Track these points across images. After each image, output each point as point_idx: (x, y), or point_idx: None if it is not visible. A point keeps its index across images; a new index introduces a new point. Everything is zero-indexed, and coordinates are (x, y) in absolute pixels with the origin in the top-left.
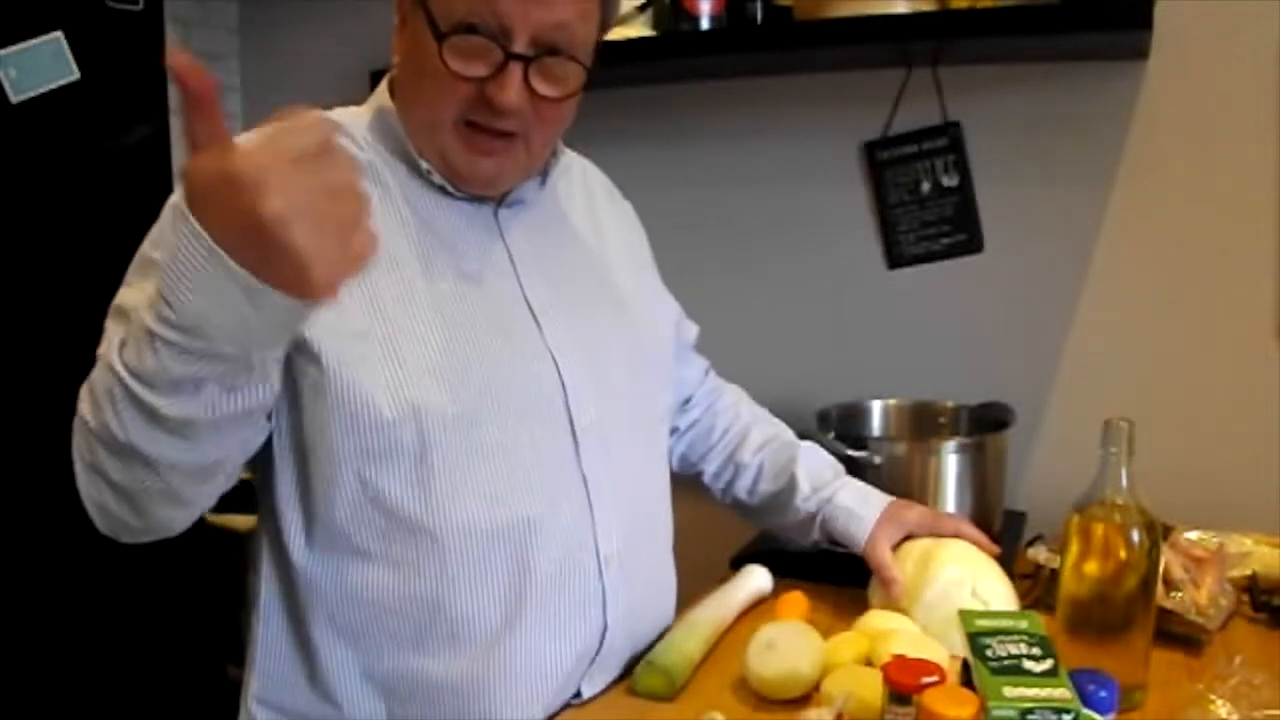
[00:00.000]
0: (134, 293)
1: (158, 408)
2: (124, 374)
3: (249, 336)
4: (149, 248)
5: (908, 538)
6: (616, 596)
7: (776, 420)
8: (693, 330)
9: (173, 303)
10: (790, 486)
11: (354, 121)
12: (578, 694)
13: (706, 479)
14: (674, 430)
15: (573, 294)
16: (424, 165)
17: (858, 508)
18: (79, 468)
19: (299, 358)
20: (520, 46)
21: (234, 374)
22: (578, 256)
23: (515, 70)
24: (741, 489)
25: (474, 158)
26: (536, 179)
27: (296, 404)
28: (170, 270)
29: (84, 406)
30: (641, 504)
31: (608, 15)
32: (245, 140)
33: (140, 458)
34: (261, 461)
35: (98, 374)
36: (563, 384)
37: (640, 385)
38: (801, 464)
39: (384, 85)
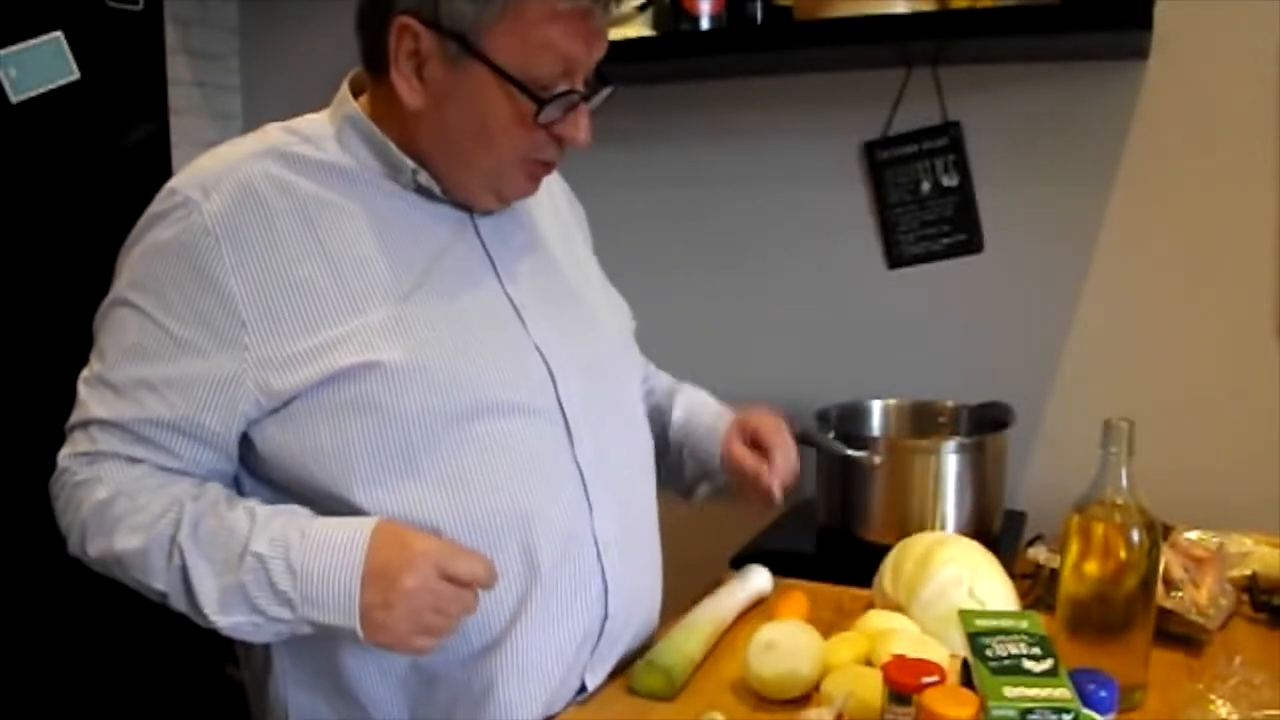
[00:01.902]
0: (119, 405)
1: (149, 582)
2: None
3: (301, 616)
4: (135, 296)
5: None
6: (617, 583)
7: (679, 381)
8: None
9: (292, 579)
10: (665, 421)
11: (318, 130)
12: (582, 687)
13: None
14: None
15: (547, 288)
16: (410, 165)
17: (714, 422)
18: (57, 505)
19: (288, 373)
20: (581, 85)
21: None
22: (547, 251)
23: (585, 109)
24: None
25: (529, 186)
26: None
27: (293, 418)
28: (313, 556)
29: (89, 494)
30: (632, 489)
31: None
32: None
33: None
34: (265, 475)
35: (106, 487)
36: (551, 376)
37: (617, 371)
38: (679, 397)
39: (346, 92)
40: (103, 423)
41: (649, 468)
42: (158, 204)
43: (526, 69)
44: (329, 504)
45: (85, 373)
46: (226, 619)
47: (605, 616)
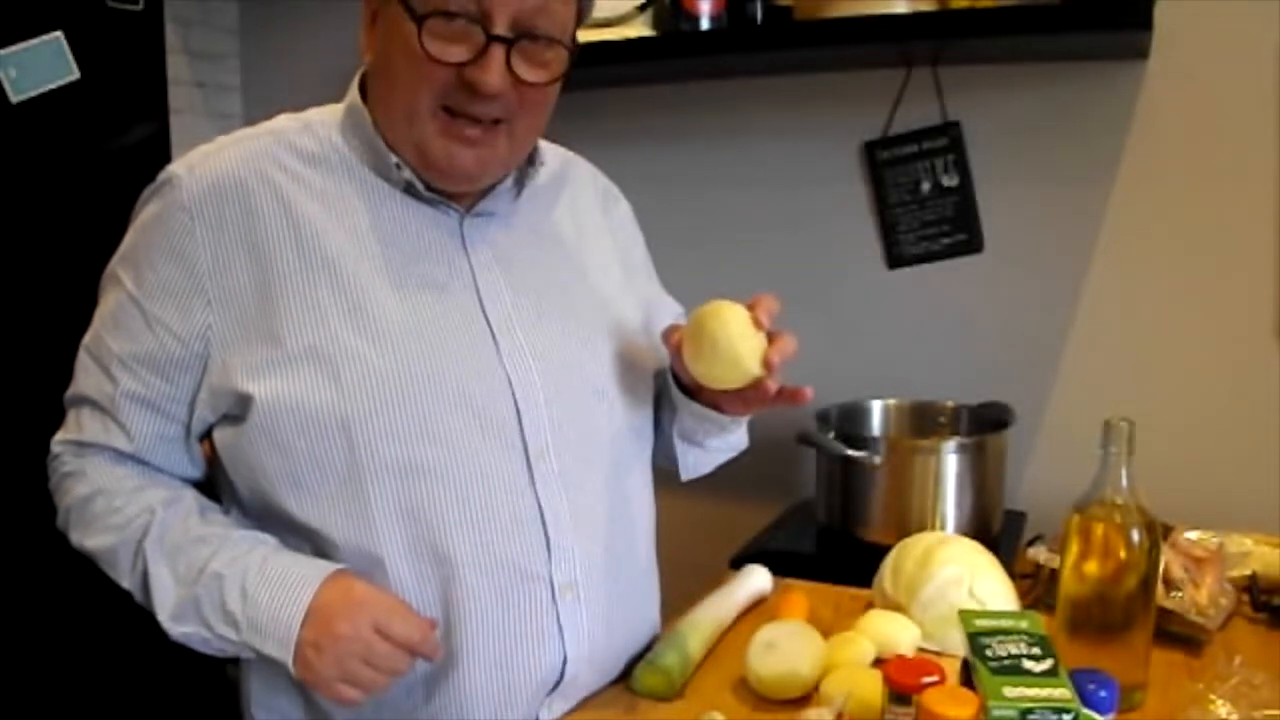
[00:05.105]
0: (95, 380)
1: (118, 579)
2: (136, 544)
3: (244, 640)
4: (110, 338)
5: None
6: (577, 627)
7: None
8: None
9: (242, 603)
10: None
11: (327, 120)
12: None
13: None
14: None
15: (541, 309)
16: (393, 159)
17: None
18: (50, 484)
19: (246, 364)
20: (501, 29)
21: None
22: (553, 270)
23: (497, 52)
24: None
25: (453, 147)
26: (510, 190)
27: (242, 423)
28: (264, 590)
29: (75, 486)
30: (611, 531)
31: (585, 1)
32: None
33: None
34: (230, 492)
35: (103, 482)
36: (516, 403)
37: (616, 405)
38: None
39: (355, 83)
40: (84, 400)
41: (641, 505)
42: (154, 183)
43: (428, 1)
44: (278, 517)
45: (84, 339)
46: (178, 627)
47: (564, 659)
